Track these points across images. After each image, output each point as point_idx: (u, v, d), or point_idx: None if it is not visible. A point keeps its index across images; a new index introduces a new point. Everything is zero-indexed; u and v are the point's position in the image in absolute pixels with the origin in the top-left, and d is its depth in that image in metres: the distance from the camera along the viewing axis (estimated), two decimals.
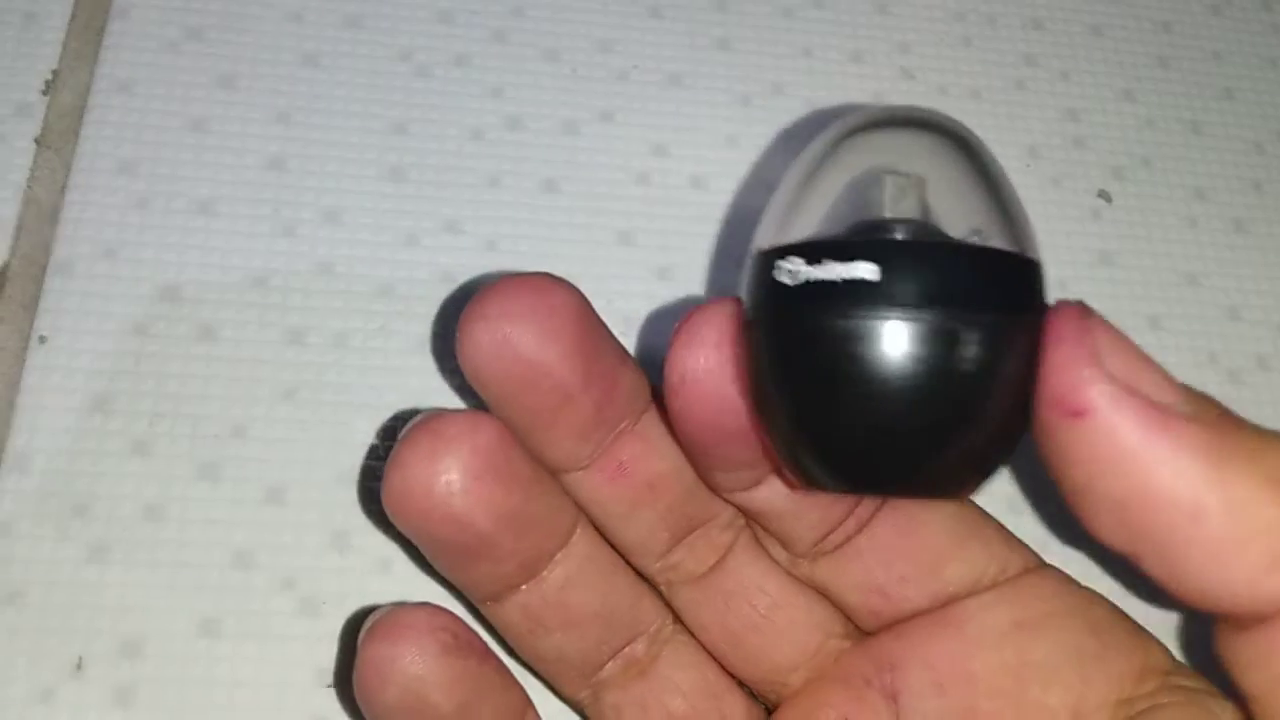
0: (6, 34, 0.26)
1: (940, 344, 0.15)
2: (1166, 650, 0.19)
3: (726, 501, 0.20)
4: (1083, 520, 0.16)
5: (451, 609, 0.19)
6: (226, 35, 0.27)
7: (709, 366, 0.17)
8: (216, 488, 0.23)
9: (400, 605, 0.18)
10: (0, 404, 0.23)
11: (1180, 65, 0.32)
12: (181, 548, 0.22)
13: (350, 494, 0.23)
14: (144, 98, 0.26)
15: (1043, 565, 0.20)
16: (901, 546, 0.19)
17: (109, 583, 0.22)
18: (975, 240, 0.16)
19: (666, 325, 0.26)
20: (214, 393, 0.24)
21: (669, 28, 0.29)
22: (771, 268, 0.16)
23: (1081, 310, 0.15)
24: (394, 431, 0.24)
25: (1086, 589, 0.20)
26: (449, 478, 0.17)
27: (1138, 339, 0.30)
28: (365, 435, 0.24)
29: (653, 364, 0.19)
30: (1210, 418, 0.15)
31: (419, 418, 0.18)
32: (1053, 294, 0.17)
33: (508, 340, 0.17)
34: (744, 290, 0.17)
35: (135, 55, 0.27)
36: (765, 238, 0.17)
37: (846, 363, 0.15)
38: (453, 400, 0.25)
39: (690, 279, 0.27)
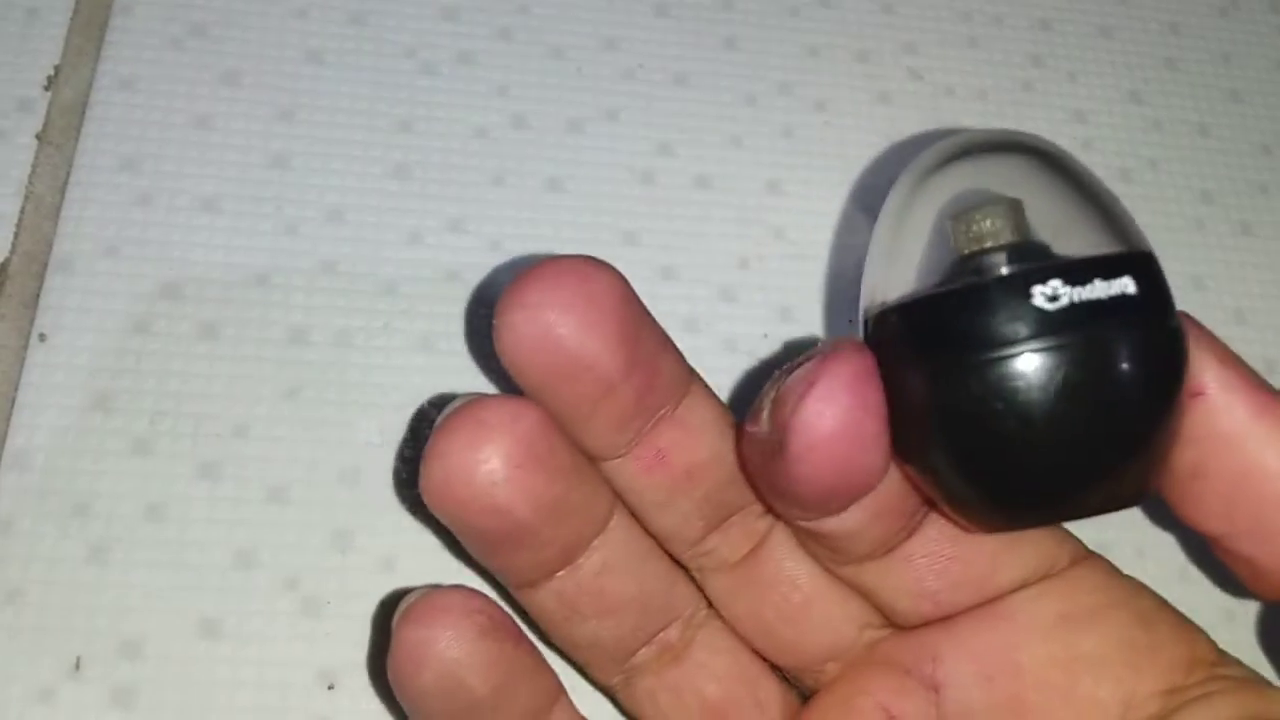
0: (8, 29, 0.26)
1: (1157, 353, 0.15)
2: (1212, 641, 0.19)
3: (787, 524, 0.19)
4: (1183, 504, 0.17)
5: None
6: (230, 32, 0.27)
7: (845, 426, 0.16)
8: (218, 487, 0.23)
9: (435, 588, 0.18)
10: (0, 402, 0.23)
11: (1188, 67, 0.31)
12: (182, 547, 0.22)
13: (353, 493, 0.23)
14: (146, 94, 0.26)
15: (1089, 555, 0.20)
16: (954, 552, 0.19)
17: (109, 582, 0.22)
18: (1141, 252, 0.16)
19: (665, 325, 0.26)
20: (216, 391, 0.24)
21: (675, 26, 0.29)
22: (1015, 293, 0.15)
23: (1194, 321, 0.17)
24: (418, 431, 0.24)
25: (1132, 579, 0.19)
26: (490, 467, 0.17)
27: None
28: (368, 434, 0.24)
29: None
30: None
31: (458, 403, 0.17)
32: None
33: (549, 330, 0.16)
34: (930, 331, 0.16)
35: (138, 51, 0.27)
36: (903, 280, 0.16)
37: (1091, 377, 0.15)
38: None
39: (695, 279, 0.27)
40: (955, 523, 0.18)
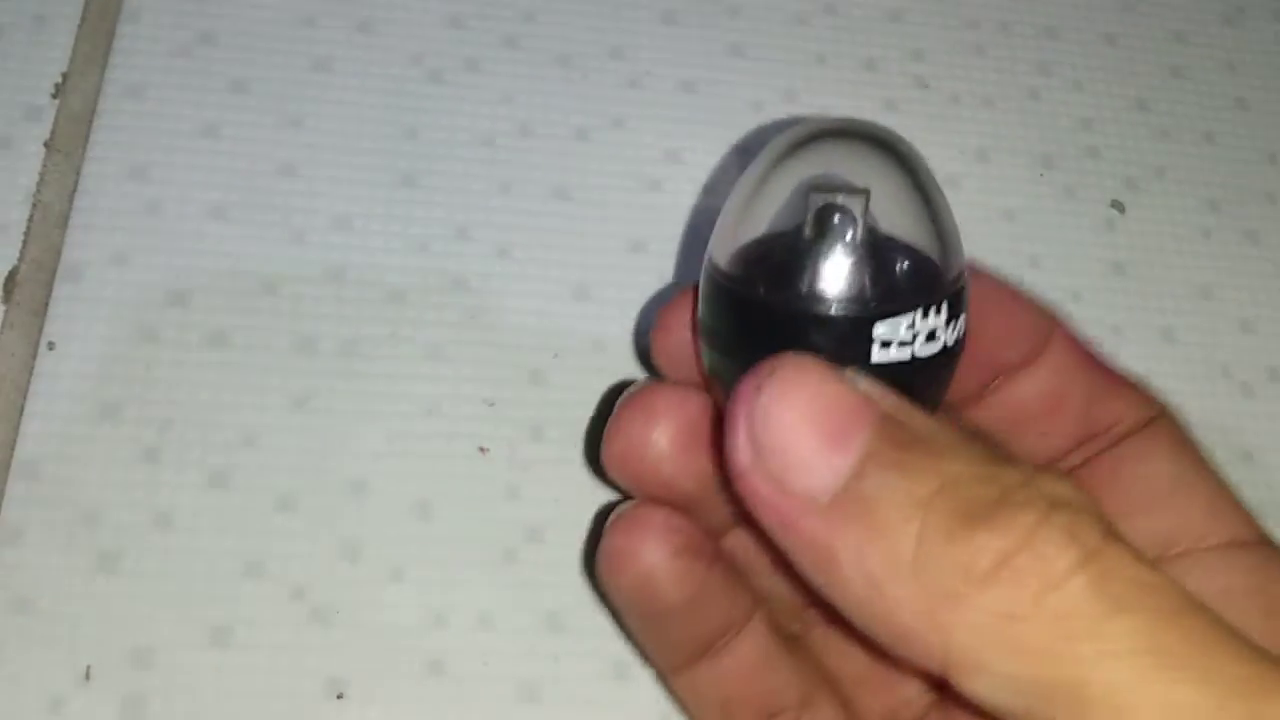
0: (16, 37, 0.26)
1: None
2: None
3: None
4: None
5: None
6: (238, 40, 0.27)
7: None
8: (226, 496, 0.23)
9: (642, 503, 0.20)
10: (9, 410, 0.23)
11: (1194, 75, 0.31)
12: (191, 556, 0.22)
13: (361, 502, 0.23)
14: (154, 102, 0.26)
15: (1262, 540, 0.19)
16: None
17: (118, 591, 0.22)
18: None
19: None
20: (224, 400, 0.24)
21: (681, 34, 0.29)
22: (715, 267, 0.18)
23: (756, 385, 0.16)
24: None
25: None
26: (658, 445, 0.19)
27: (1150, 351, 0.29)
28: (376, 443, 0.24)
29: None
30: (870, 488, 0.15)
31: (632, 389, 0.20)
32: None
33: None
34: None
35: (146, 59, 0.27)
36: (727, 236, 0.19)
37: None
38: (461, 409, 0.25)
39: None
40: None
